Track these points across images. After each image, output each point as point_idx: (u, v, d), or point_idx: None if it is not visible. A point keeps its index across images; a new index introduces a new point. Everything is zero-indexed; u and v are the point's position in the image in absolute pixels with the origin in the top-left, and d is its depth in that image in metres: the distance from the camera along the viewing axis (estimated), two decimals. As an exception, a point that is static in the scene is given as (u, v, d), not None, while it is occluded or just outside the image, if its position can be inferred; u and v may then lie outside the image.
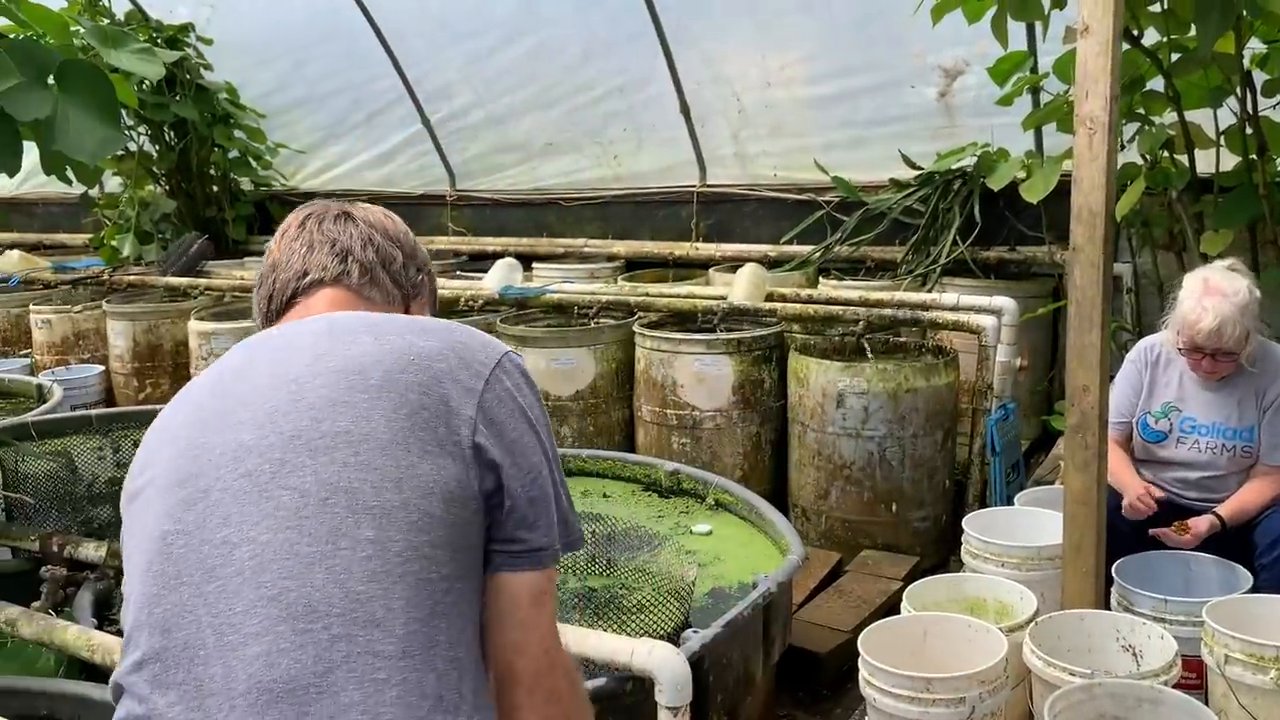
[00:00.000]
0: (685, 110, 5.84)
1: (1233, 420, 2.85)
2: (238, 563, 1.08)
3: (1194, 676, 2.44)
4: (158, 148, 7.08)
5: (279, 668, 1.03)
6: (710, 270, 5.62)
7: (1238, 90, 3.70)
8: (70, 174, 3.16)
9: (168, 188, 7.28)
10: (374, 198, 7.06)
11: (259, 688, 1.02)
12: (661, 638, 2.15)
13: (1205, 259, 3.76)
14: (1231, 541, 2.77)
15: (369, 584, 1.06)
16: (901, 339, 4.38)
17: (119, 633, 2.54)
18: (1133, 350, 3.07)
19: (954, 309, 4.18)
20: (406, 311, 1.41)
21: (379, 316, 1.28)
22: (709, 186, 6.01)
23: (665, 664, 1.95)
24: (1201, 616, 2.37)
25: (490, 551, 1.17)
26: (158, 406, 4.54)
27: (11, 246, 7.84)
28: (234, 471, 1.12)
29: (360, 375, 1.15)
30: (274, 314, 1.37)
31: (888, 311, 4.31)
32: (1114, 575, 2.65)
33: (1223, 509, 2.78)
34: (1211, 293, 2.76)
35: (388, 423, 1.12)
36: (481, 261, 6.15)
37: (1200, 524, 2.75)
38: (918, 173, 5.15)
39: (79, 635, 2.36)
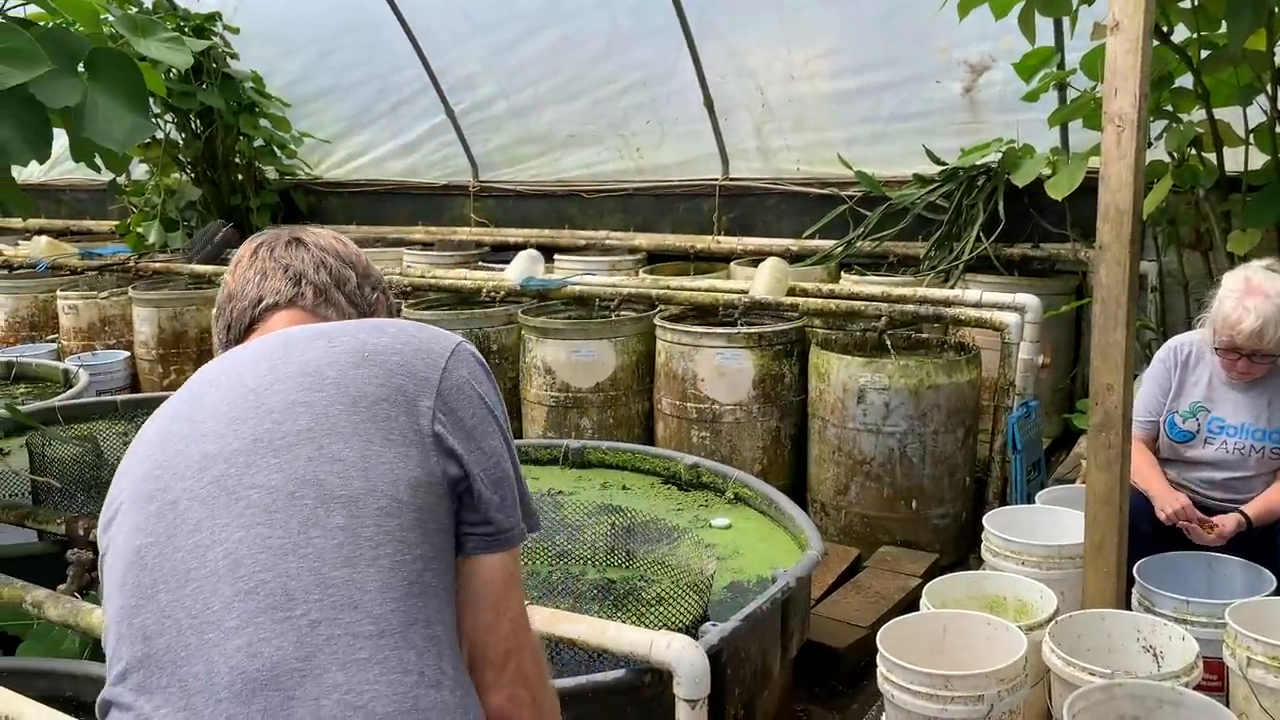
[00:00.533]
0: (709, 103, 5.83)
1: (1262, 421, 2.83)
2: (212, 563, 1.09)
3: (1215, 679, 2.43)
4: (184, 136, 7.13)
5: (261, 656, 1.04)
6: (731, 264, 5.61)
7: (1268, 88, 3.66)
8: (99, 161, 3.18)
9: (193, 176, 7.33)
10: (398, 188, 7.12)
11: (243, 678, 1.03)
12: (680, 631, 2.16)
13: (1232, 259, 3.72)
14: (1256, 543, 2.75)
15: (344, 568, 1.07)
16: (924, 335, 4.36)
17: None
18: (1161, 349, 3.05)
19: (976, 305, 4.16)
20: None
21: (332, 325, 1.30)
22: (731, 180, 6.01)
23: (684, 657, 1.96)
24: (1224, 618, 2.36)
25: (462, 535, 1.19)
26: (182, 393, 4.53)
27: (39, 232, 7.92)
28: (200, 480, 1.13)
29: (316, 376, 1.17)
30: (232, 341, 1.39)
31: (910, 307, 4.29)
32: (1135, 575, 2.63)
33: (1249, 508, 2.76)
34: (1254, 293, 2.73)
35: (348, 416, 1.14)
36: (503, 253, 6.17)
37: (1227, 522, 2.73)
38: (941, 168, 5.13)
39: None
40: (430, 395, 1.18)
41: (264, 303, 1.39)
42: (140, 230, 7.18)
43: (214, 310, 1.46)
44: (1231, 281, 2.81)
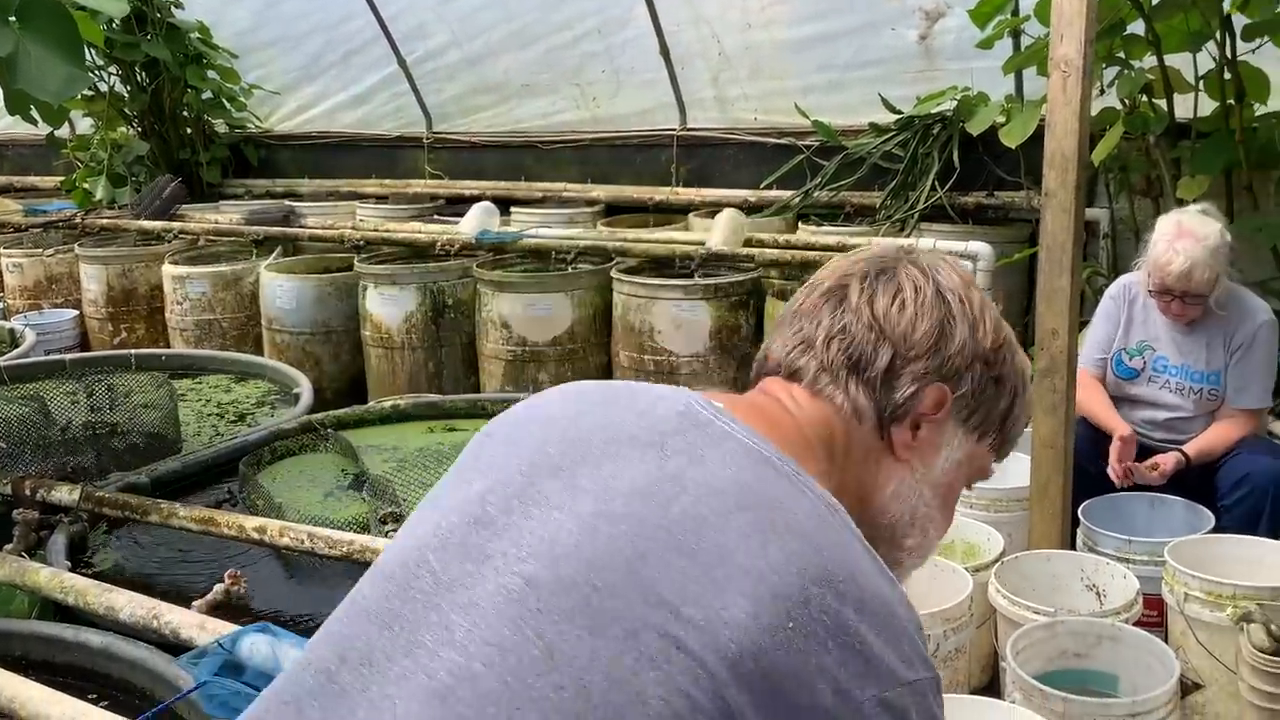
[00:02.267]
0: (665, 52, 5.77)
1: (1201, 363, 2.88)
2: None
3: (1155, 614, 2.49)
4: (129, 89, 6.94)
5: None
6: (690, 215, 5.59)
7: (1217, 34, 3.68)
8: (35, 114, 3.10)
9: (140, 130, 7.16)
10: (351, 140, 7.00)
11: None
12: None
13: (1181, 204, 3.77)
14: (1196, 483, 2.81)
15: None
16: (878, 284, 4.37)
17: (95, 575, 2.56)
18: (1112, 286, 3.09)
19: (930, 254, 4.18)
20: (883, 438, 1.02)
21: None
22: (689, 130, 5.96)
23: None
24: (1164, 556, 2.42)
25: None
26: (131, 351, 4.49)
27: (-19, 189, 7.74)
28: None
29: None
30: (750, 381, 1.11)
31: (865, 256, 4.30)
32: (1080, 516, 2.69)
33: (1188, 447, 2.82)
34: (1184, 235, 2.77)
35: None
36: (458, 205, 6.08)
37: (1167, 460, 2.79)
38: (897, 117, 5.12)
39: (52, 577, 2.37)
40: None
41: (769, 360, 1.08)
42: (86, 186, 7.01)
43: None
44: (1164, 225, 2.86)
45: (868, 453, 1.03)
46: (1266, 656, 2.05)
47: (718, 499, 0.86)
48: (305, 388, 4.06)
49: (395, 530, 2.70)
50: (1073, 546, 2.66)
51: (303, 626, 2.37)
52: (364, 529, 2.76)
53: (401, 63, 6.58)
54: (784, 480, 0.90)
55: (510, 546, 0.85)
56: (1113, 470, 2.82)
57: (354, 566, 2.54)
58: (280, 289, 5.14)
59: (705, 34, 5.64)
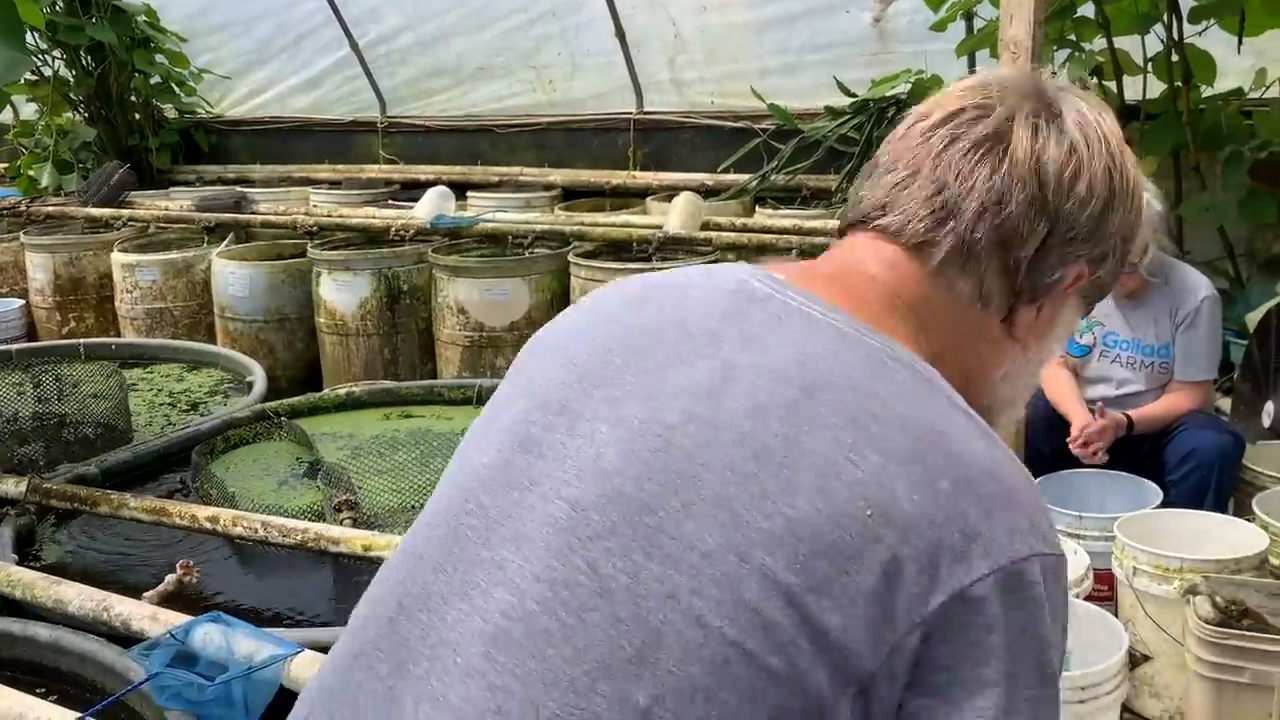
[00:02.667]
0: (620, 34, 5.74)
1: (1150, 337, 2.94)
2: None
3: (1105, 589, 2.53)
4: (74, 73, 6.81)
5: None
6: (648, 199, 5.58)
7: (1165, 17, 3.73)
8: (-26, 98, 3.03)
9: (87, 115, 7.02)
10: (303, 125, 6.91)
11: None
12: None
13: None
14: (1146, 459, 2.86)
15: None
16: (835, 266, 4.40)
17: (44, 568, 2.51)
18: None
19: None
20: (1009, 320, 0.88)
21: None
22: (645, 114, 5.94)
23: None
24: (1113, 531, 2.45)
25: None
26: (80, 340, 4.41)
27: (-78, 176, 7.54)
28: None
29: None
30: (840, 229, 0.95)
31: (820, 240, 4.32)
32: (1033, 494, 2.72)
33: (1133, 413, 2.87)
34: None
35: None
36: (414, 190, 6.03)
37: (1115, 415, 2.83)
38: (852, 100, 5.14)
39: (-2, 571, 2.33)
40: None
41: (873, 219, 0.89)
42: (32, 173, 6.85)
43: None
44: None
45: (981, 331, 0.88)
46: (1212, 628, 2.08)
47: (780, 386, 0.77)
48: (259, 376, 4.01)
49: (351, 519, 2.68)
50: (1026, 523, 2.70)
51: (257, 616, 2.35)
52: (319, 517, 2.73)
53: (354, 46, 6.50)
54: (859, 353, 0.79)
55: (555, 469, 0.79)
56: (1079, 451, 2.84)
57: (309, 555, 2.52)
58: (233, 276, 5.07)
59: (661, 17, 5.62)
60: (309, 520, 2.61)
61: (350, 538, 2.42)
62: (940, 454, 0.75)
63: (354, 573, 2.48)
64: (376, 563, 2.36)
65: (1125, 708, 2.27)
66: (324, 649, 1.90)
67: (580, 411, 0.81)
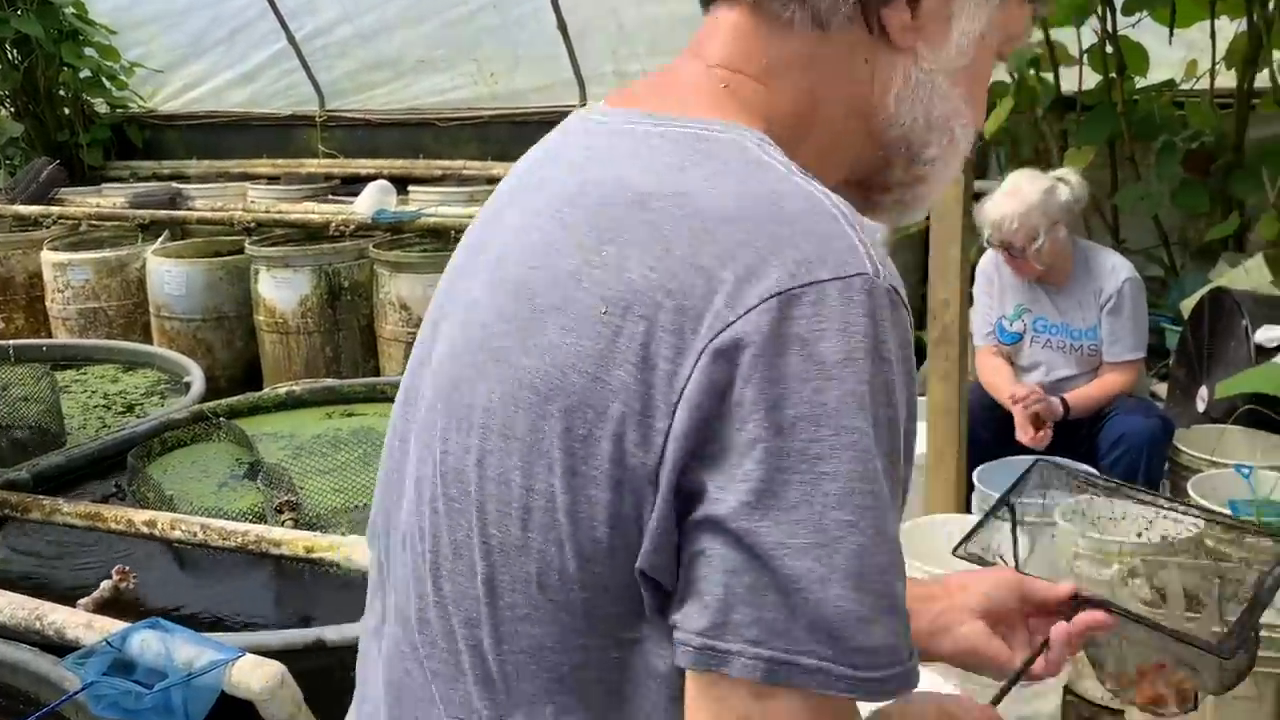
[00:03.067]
0: (562, 26, 5.71)
1: (1078, 320, 2.99)
2: None
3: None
4: (0, 67, 6.63)
5: None
6: (591, 192, 5.55)
7: (1099, 9, 3.79)
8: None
9: (13, 110, 6.84)
10: (240, 120, 6.78)
11: None
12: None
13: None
14: (1082, 445, 2.91)
15: None
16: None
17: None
18: (981, 260, 3.16)
19: None
20: (871, 29, 0.77)
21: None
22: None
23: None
24: (1054, 518, 2.49)
25: None
26: (9, 342, 4.28)
27: None
28: None
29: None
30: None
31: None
32: (975, 481, 2.76)
33: (1068, 396, 2.93)
34: (1010, 193, 2.89)
35: None
36: (355, 185, 5.95)
37: (1050, 400, 2.88)
38: (795, 92, 5.16)
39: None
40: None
41: None
42: (-44, 170, 6.68)
43: None
44: (1003, 184, 2.97)
45: (851, 52, 0.78)
46: (1149, 610, 2.12)
47: (552, 223, 0.75)
48: (196, 376, 3.93)
49: (293, 520, 2.64)
50: (968, 511, 2.73)
51: (198, 621, 2.30)
52: (260, 519, 2.68)
53: (291, 39, 6.40)
54: (660, 149, 0.74)
55: (427, 374, 0.83)
56: (1025, 435, 2.87)
57: (250, 558, 2.47)
58: (168, 274, 4.96)
59: (603, 9, 5.60)
60: (250, 522, 2.56)
61: (292, 539, 2.38)
62: (687, 215, 0.69)
63: (296, 575, 2.44)
64: (319, 565, 2.32)
65: (1068, 690, 2.31)
66: (266, 653, 1.87)
67: (446, 312, 0.84)
